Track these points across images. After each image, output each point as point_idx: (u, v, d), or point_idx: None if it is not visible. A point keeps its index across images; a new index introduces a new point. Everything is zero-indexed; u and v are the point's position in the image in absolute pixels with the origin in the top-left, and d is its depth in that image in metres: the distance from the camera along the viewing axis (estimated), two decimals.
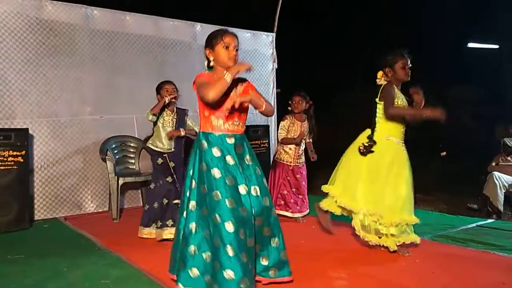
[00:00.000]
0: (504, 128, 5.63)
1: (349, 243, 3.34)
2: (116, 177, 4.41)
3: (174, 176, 3.65)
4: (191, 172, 2.37)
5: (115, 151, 4.74)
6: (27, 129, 4.21)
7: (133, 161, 4.92)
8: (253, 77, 6.04)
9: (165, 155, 3.70)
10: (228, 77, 2.20)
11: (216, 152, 2.30)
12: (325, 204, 3.22)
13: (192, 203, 2.32)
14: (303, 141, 4.30)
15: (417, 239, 3.05)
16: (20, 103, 4.39)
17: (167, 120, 3.74)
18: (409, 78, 3.02)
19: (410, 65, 3.03)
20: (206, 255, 2.26)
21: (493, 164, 5.45)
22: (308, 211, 4.27)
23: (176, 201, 3.55)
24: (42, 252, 3.29)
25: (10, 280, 2.68)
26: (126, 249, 3.25)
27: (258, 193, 2.33)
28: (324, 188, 3.24)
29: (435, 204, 5.53)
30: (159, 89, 3.80)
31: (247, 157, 2.40)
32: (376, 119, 3.08)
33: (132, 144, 4.93)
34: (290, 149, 4.23)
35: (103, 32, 4.91)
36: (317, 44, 10.72)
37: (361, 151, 3.03)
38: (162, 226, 3.54)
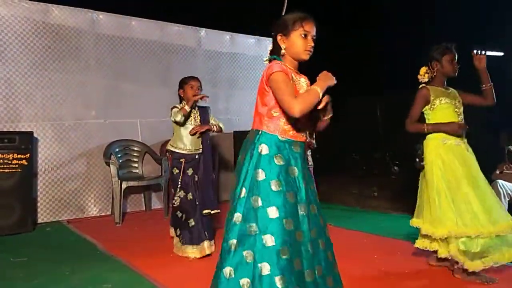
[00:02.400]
0: (508, 136, 5.61)
1: (346, 250, 3.32)
2: (119, 181, 4.42)
3: (179, 186, 3.26)
4: (243, 178, 1.90)
5: (119, 155, 4.76)
6: (31, 132, 4.24)
7: (136, 165, 4.94)
8: (257, 83, 6.02)
9: (182, 160, 3.30)
10: (320, 90, 1.83)
11: (278, 160, 1.85)
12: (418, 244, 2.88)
13: (237, 215, 1.83)
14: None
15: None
16: (25, 107, 4.43)
17: (190, 118, 3.32)
18: (456, 74, 2.84)
19: (457, 59, 2.84)
20: (244, 281, 1.74)
21: (497, 172, 5.43)
22: None
23: (206, 211, 3.26)
24: (44, 255, 3.30)
25: (12, 283, 2.69)
26: (129, 254, 3.26)
27: (316, 212, 1.92)
28: (413, 222, 2.90)
29: None
30: (183, 84, 3.39)
31: (307, 169, 2.01)
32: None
33: (135, 148, 4.95)
34: None
35: (109, 36, 4.95)
36: (321, 49, 10.73)
37: (417, 167, 2.80)
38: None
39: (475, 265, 2.55)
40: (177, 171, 3.29)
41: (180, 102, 3.40)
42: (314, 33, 1.96)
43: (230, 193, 1.98)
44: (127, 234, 4.00)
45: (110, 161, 4.49)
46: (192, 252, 3.17)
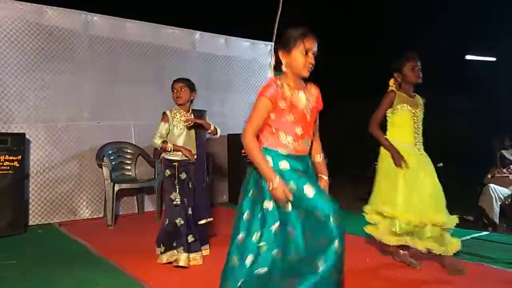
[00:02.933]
0: (500, 141, 5.66)
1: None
2: (112, 183, 4.40)
3: (177, 190, 3.14)
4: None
5: (112, 157, 4.74)
6: (23, 134, 4.21)
7: (129, 167, 4.92)
8: (252, 86, 6.07)
9: (175, 163, 3.18)
10: (276, 186, 1.84)
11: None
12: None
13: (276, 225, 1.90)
14: None
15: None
16: (17, 108, 4.40)
17: (180, 119, 3.23)
18: (420, 80, 2.95)
19: (420, 66, 2.95)
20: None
21: (489, 176, 5.47)
22: None
23: (202, 221, 3.25)
24: (35, 258, 3.28)
25: (2, 286, 2.66)
26: (120, 257, 3.23)
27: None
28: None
29: None
30: (171, 87, 3.31)
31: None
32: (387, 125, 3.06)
33: (129, 151, 4.93)
34: None
35: (103, 38, 4.93)
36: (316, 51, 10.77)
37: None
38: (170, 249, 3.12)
39: (391, 240, 2.90)
40: (169, 173, 3.18)
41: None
42: (315, 49, 2.01)
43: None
44: (119, 237, 3.98)
45: (103, 163, 4.47)
46: (188, 260, 3.03)
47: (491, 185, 5.22)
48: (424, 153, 3.03)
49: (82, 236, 3.93)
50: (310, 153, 2.08)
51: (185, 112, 3.28)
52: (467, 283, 2.71)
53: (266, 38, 6.39)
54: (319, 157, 2.15)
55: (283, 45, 2.03)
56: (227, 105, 5.94)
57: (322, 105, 2.13)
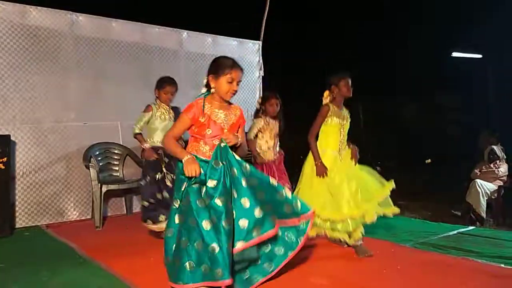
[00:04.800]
0: (487, 136, 5.72)
1: (329, 251, 3.35)
2: (99, 184, 4.37)
3: (164, 171, 3.67)
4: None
5: (99, 158, 4.70)
6: (9, 136, 4.16)
7: (117, 168, 4.88)
8: (240, 85, 6.05)
9: (160, 151, 3.68)
10: (185, 160, 2.37)
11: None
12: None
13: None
14: (277, 138, 4.31)
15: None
16: (2, 109, 4.34)
17: (165, 115, 3.79)
18: (351, 94, 3.42)
19: (350, 83, 3.43)
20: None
21: (476, 171, 5.54)
22: None
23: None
24: (22, 260, 3.24)
25: None
26: (108, 258, 3.21)
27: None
28: None
29: (420, 211, 5.59)
30: (160, 86, 3.81)
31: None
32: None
33: (116, 151, 4.89)
34: (268, 148, 4.19)
35: (88, 38, 4.88)
36: (304, 52, 10.81)
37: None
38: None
39: (334, 235, 3.27)
40: (156, 156, 3.68)
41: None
42: (239, 79, 2.49)
43: None
44: (107, 238, 3.95)
45: (90, 164, 4.43)
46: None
47: (478, 180, 5.29)
48: (346, 153, 3.43)
49: (69, 237, 3.90)
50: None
51: (166, 107, 3.85)
52: (450, 277, 2.74)
53: (254, 37, 6.39)
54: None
55: (213, 71, 2.48)
56: None
57: (244, 122, 2.68)
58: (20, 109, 4.44)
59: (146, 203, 3.66)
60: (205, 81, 2.53)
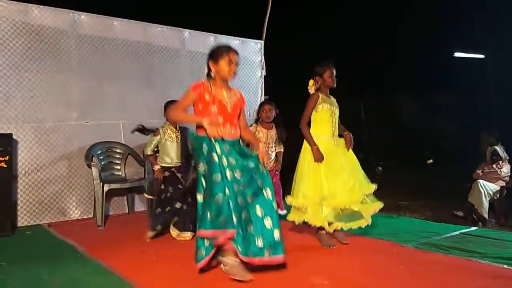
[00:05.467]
0: (487, 137, 5.71)
1: (329, 250, 3.34)
2: (101, 183, 4.37)
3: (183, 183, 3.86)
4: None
5: (101, 157, 4.70)
6: (11, 134, 4.16)
7: (119, 167, 4.88)
8: (242, 84, 6.04)
9: (173, 169, 3.94)
10: (206, 123, 2.57)
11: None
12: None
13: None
14: (274, 149, 4.37)
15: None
16: (4, 108, 4.34)
17: (172, 137, 4.01)
18: (335, 85, 3.48)
19: (335, 73, 3.47)
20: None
21: (479, 172, 5.52)
22: (285, 212, 4.36)
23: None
24: (24, 259, 3.24)
25: None
26: (110, 257, 3.21)
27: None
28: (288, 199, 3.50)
29: (422, 211, 5.57)
30: (168, 108, 4.01)
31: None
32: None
33: (118, 150, 4.89)
34: None
35: (91, 37, 4.88)
36: (306, 51, 10.80)
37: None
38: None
39: (318, 222, 3.32)
40: (168, 173, 3.95)
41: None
42: (237, 61, 2.77)
43: None
44: (109, 237, 3.95)
45: (92, 163, 4.43)
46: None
47: (480, 181, 5.28)
48: (340, 141, 3.51)
49: (71, 236, 3.89)
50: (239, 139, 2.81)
51: (173, 128, 4.04)
52: (453, 277, 2.73)
53: (256, 36, 6.38)
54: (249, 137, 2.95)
55: (212, 57, 2.75)
56: None
57: (244, 104, 2.92)
58: (22, 108, 4.44)
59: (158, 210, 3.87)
60: (206, 69, 2.79)
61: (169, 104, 4.01)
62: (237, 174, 2.64)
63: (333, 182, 3.34)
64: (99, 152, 4.70)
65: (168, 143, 4.00)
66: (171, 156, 3.98)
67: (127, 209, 5.05)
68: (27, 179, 4.45)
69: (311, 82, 3.48)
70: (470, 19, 9.23)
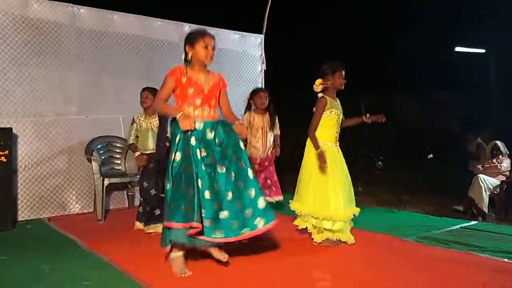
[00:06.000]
0: (489, 133, 5.71)
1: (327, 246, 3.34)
2: (101, 178, 4.37)
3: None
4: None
5: (101, 152, 4.70)
6: (10, 129, 4.15)
7: (119, 161, 4.88)
8: (242, 79, 6.04)
9: (145, 156, 3.97)
10: (179, 116, 2.58)
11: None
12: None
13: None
14: (271, 133, 4.52)
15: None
16: (4, 102, 4.33)
17: (147, 123, 4.08)
18: (343, 87, 3.38)
19: (344, 75, 3.36)
20: None
21: (479, 166, 5.52)
22: (281, 198, 4.51)
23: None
24: (24, 253, 3.24)
25: None
26: (110, 251, 3.21)
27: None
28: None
29: (422, 206, 5.57)
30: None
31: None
32: None
33: (118, 145, 4.89)
34: (257, 142, 4.40)
35: (90, 31, 4.86)
36: (306, 45, 10.77)
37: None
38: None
39: (319, 237, 3.28)
40: (145, 163, 3.93)
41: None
42: (213, 45, 2.77)
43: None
44: (109, 231, 3.96)
45: (92, 157, 4.43)
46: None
47: (481, 175, 5.27)
48: (339, 149, 3.45)
49: (71, 231, 3.89)
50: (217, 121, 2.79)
51: (149, 116, 4.11)
52: (453, 271, 2.73)
53: (256, 30, 6.35)
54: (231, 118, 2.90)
55: (188, 42, 2.77)
56: None
57: (225, 86, 2.92)
58: (22, 102, 4.43)
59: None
60: (183, 55, 2.81)
61: (144, 91, 4.08)
62: (211, 160, 2.68)
63: (340, 194, 3.26)
64: (99, 146, 4.70)
65: (143, 130, 4.07)
66: (143, 143, 4.07)
67: (127, 203, 5.05)
68: (27, 173, 4.45)
69: (318, 81, 3.35)
70: (471, 14, 9.18)
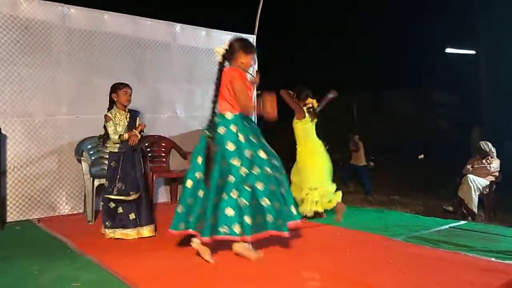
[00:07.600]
0: (479, 132, 5.77)
1: (320, 244, 3.36)
2: (91, 178, 4.34)
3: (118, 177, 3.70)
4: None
5: (91, 152, 4.67)
6: None
7: None
8: None
9: (119, 154, 3.78)
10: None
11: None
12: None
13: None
14: None
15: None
16: None
17: (120, 120, 3.80)
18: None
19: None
20: None
21: (468, 167, 5.57)
22: None
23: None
24: (13, 254, 3.21)
25: None
26: (100, 252, 3.19)
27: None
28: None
29: (412, 206, 5.62)
30: (116, 89, 3.75)
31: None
32: None
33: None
34: None
35: (80, 31, 4.84)
36: (297, 45, 10.80)
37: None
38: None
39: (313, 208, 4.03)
40: (115, 164, 3.73)
41: (111, 107, 3.78)
42: (255, 57, 3.19)
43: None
44: (99, 232, 3.92)
45: (82, 158, 4.40)
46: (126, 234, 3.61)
47: (470, 175, 5.32)
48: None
49: (61, 232, 3.87)
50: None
51: (123, 111, 3.82)
52: (441, 270, 2.76)
53: (248, 30, 6.35)
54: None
55: (244, 48, 3.03)
56: (209, 98, 5.85)
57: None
58: (11, 102, 4.40)
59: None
60: (236, 55, 3.05)
61: (115, 85, 3.78)
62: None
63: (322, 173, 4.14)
64: (89, 146, 4.67)
65: (119, 128, 3.79)
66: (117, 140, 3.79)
67: None
68: (16, 174, 4.41)
69: (310, 100, 4.54)
70: (461, 15, 9.26)
